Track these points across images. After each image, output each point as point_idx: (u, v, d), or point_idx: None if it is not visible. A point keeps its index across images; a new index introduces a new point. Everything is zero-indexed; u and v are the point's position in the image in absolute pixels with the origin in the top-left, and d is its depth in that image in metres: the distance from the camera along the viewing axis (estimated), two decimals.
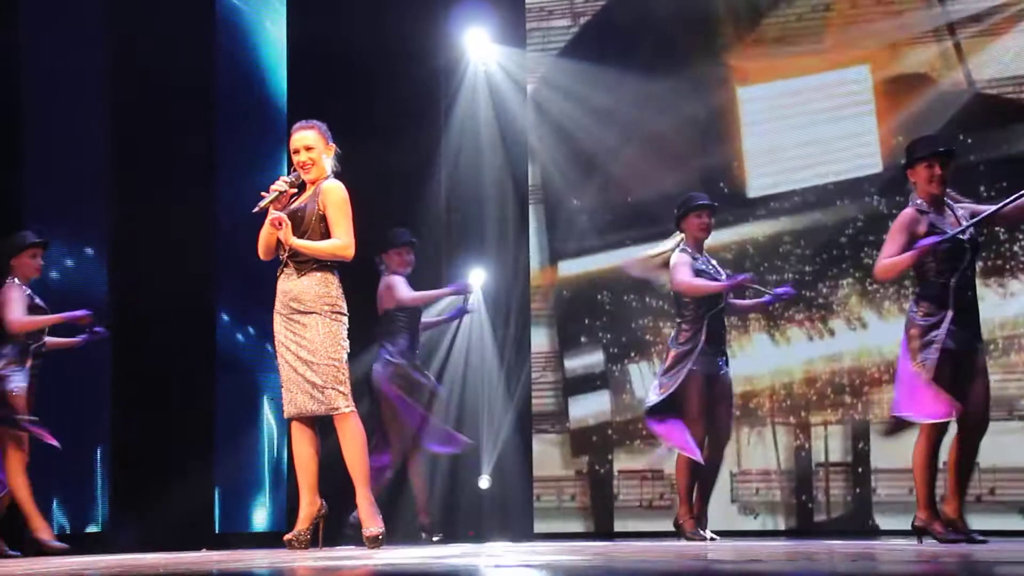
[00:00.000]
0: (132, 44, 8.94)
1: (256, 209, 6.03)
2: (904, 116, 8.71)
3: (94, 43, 9.00)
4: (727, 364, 7.34)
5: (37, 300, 7.47)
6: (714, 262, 7.42)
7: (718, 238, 8.56)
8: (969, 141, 8.42)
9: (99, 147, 8.94)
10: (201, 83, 9.31)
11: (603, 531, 9.13)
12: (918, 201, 6.25)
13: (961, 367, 6.13)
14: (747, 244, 8.96)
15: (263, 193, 6.06)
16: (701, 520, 7.27)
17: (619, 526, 9.12)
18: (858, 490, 8.67)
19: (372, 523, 6.02)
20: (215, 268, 9.17)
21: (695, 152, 9.10)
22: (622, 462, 9.14)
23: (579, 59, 9.48)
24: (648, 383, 8.40)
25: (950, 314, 6.12)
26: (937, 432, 6.15)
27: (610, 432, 9.23)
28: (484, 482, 9.29)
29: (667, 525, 7.72)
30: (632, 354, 9.23)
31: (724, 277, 7.29)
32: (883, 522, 8.57)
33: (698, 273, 7.21)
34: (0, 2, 8.31)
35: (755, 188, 8.98)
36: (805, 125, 8.91)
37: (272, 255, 6.13)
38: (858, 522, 8.62)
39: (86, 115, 8.90)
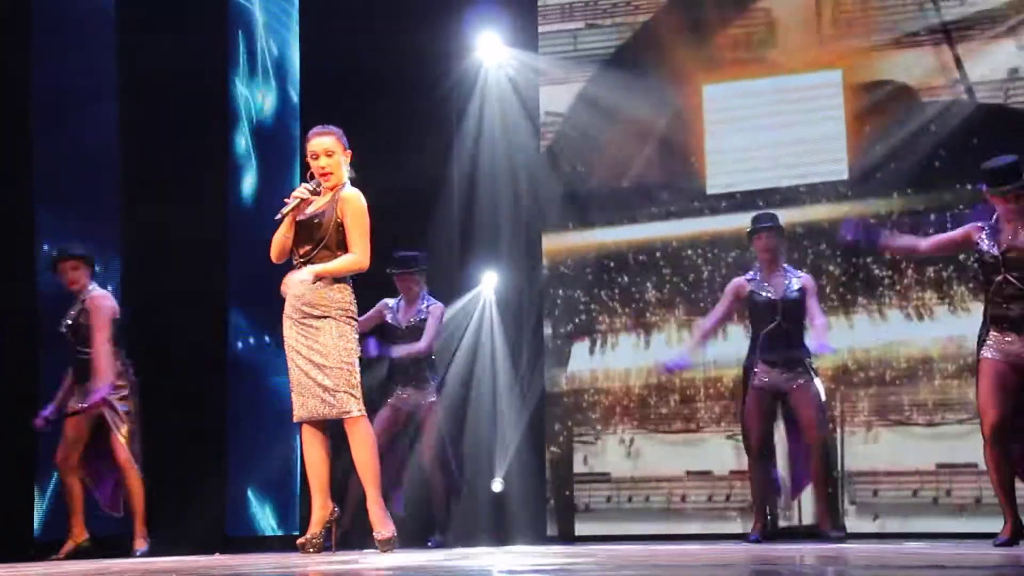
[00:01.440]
0: (143, 52, 8.95)
1: (279, 217, 6.02)
2: (876, 123, 8.82)
3: (105, 51, 9.01)
4: (798, 378, 7.54)
5: (67, 322, 7.57)
6: (786, 275, 7.66)
7: (678, 230, 9.17)
8: (943, 151, 8.59)
9: (111, 153, 8.95)
10: (213, 89, 9.33)
11: (567, 534, 9.25)
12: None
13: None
14: (703, 238, 9.17)
15: (285, 200, 6.05)
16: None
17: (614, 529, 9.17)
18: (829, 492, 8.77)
19: (383, 527, 6.02)
20: (227, 272, 9.18)
21: (664, 146, 9.29)
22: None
23: (582, 61, 9.61)
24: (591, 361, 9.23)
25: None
26: None
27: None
28: (497, 485, 9.28)
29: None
30: (580, 332, 9.41)
31: (781, 292, 7.62)
32: (851, 525, 8.49)
33: (749, 297, 7.66)
34: (10, 16, 8.34)
35: (714, 185, 9.18)
36: (773, 127, 9.04)
37: (285, 258, 6.13)
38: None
39: (97, 122, 8.90)
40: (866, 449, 8.63)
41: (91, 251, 7.72)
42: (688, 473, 9.06)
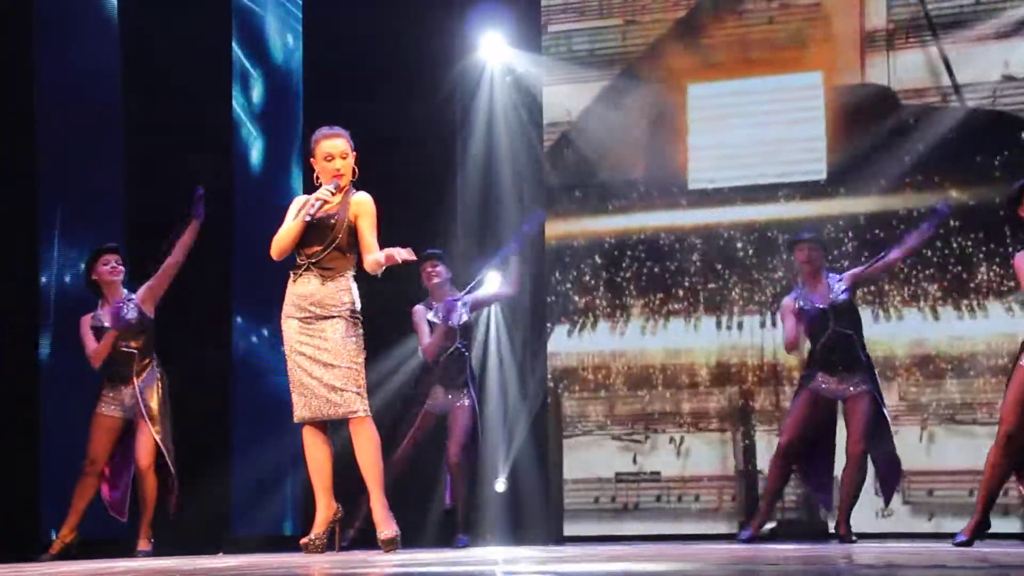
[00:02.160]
0: (148, 53, 8.95)
1: (309, 218, 6.00)
2: (854, 124, 8.99)
3: (109, 52, 9.00)
4: (857, 386, 7.53)
5: (104, 322, 7.57)
6: (829, 282, 7.65)
7: (661, 220, 9.38)
8: (919, 153, 8.80)
9: (115, 152, 8.95)
10: (217, 89, 9.33)
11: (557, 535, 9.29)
12: None
13: None
14: (683, 229, 9.36)
15: (311, 202, 6.02)
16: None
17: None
18: (806, 494, 8.85)
19: (387, 527, 6.01)
20: (232, 271, 9.18)
21: (652, 142, 9.51)
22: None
23: (584, 61, 9.72)
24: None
25: None
26: None
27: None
28: (500, 485, 9.27)
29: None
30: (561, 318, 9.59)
31: (834, 295, 7.61)
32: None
33: (799, 312, 7.60)
34: (14, 14, 8.33)
35: (696, 180, 9.39)
36: (754, 125, 9.24)
37: (285, 256, 6.12)
38: (809, 525, 8.78)
39: (102, 122, 8.90)
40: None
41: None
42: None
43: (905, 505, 8.67)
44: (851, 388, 7.53)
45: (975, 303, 8.66)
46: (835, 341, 7.57)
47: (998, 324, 8.58)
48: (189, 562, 5.76)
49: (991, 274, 8.60)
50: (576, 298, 9.52)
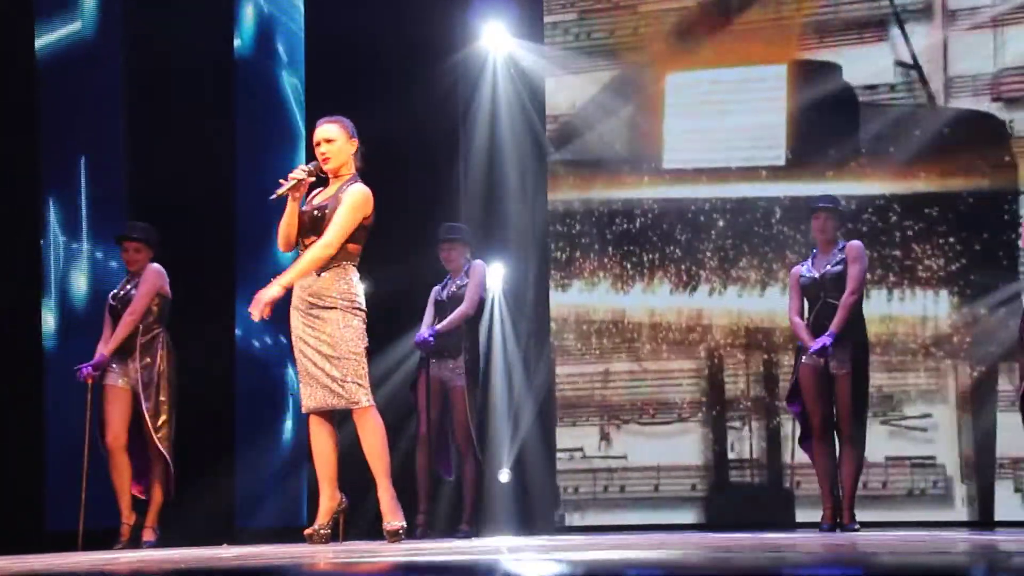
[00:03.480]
0: (149, 50, 8.94)
1: (273, 197, 6.03)
2: (812, 117, 9.31)
3: (111, 40, 9.00)
4: (842, 366, 7.38)
5: (113, 302, 7.62)
6: (834, 251, 7.52)
7: (640, 194, 9.71)
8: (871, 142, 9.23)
9: (116, 145, 8.95)
10: (219, 82, 9.33)
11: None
12: None
13: None
14: (656, 203, 9.63)
15: (281, 181, 6.05)
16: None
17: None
18: (777, 486, 9.07)
19: (393, 517, 6.02)
20: (235, 262, 9.19)
21: (634, 127, 9.78)
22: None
23: (586, 51, 9.82)
24: None
25: None
26: None
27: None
28: (504, 475, 9.28)
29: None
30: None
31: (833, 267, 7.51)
32: (802, 516, 8.79)
33: (800, 280, 7.57)
34: (16, 11, 8.33)
35: (670, 161, 9.71)
36: (725, 113, 9.61)
37: (292, 248, 6.15)
38: (779, 516, 8.90)
39: (104, 111, 8.90)
40: None
41: (149, 232, 7.71)
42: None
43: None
44: (841, 366, 7.37)
45: None
46: (825, 313, 7.39)
47: None
48: (195, 553, 5.77)
49: None
50: (580, 271, 9.61)
